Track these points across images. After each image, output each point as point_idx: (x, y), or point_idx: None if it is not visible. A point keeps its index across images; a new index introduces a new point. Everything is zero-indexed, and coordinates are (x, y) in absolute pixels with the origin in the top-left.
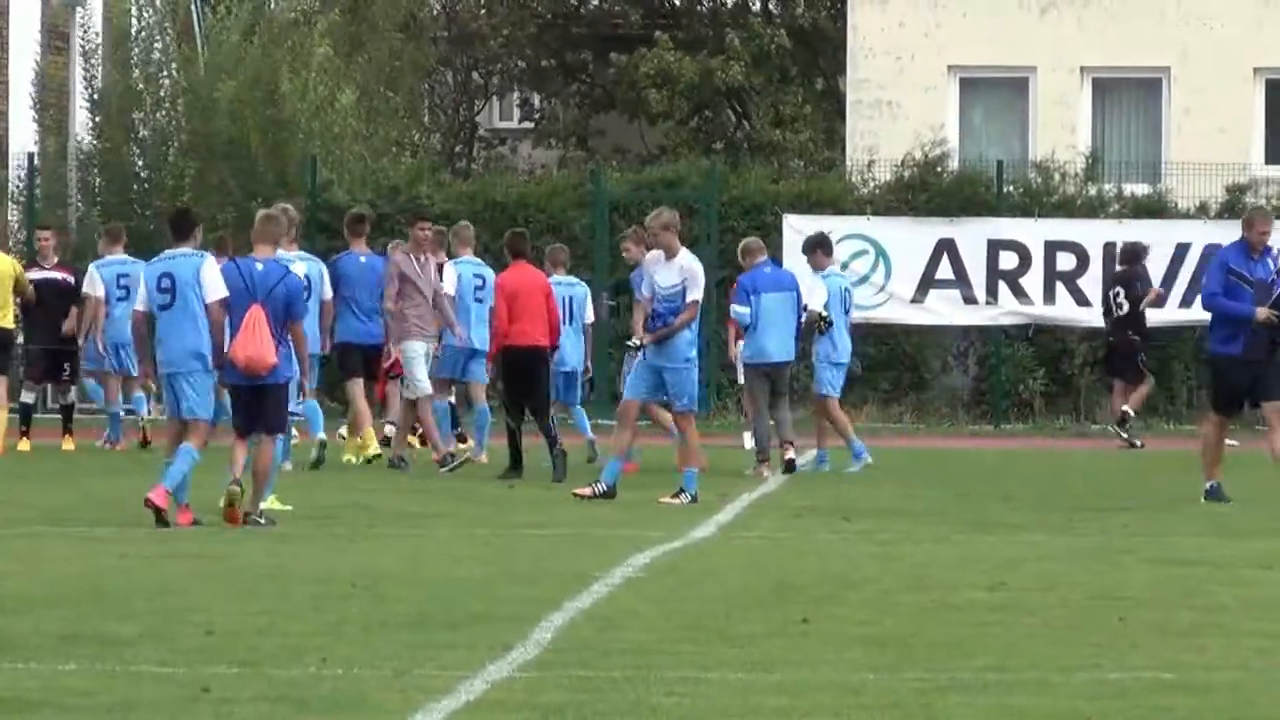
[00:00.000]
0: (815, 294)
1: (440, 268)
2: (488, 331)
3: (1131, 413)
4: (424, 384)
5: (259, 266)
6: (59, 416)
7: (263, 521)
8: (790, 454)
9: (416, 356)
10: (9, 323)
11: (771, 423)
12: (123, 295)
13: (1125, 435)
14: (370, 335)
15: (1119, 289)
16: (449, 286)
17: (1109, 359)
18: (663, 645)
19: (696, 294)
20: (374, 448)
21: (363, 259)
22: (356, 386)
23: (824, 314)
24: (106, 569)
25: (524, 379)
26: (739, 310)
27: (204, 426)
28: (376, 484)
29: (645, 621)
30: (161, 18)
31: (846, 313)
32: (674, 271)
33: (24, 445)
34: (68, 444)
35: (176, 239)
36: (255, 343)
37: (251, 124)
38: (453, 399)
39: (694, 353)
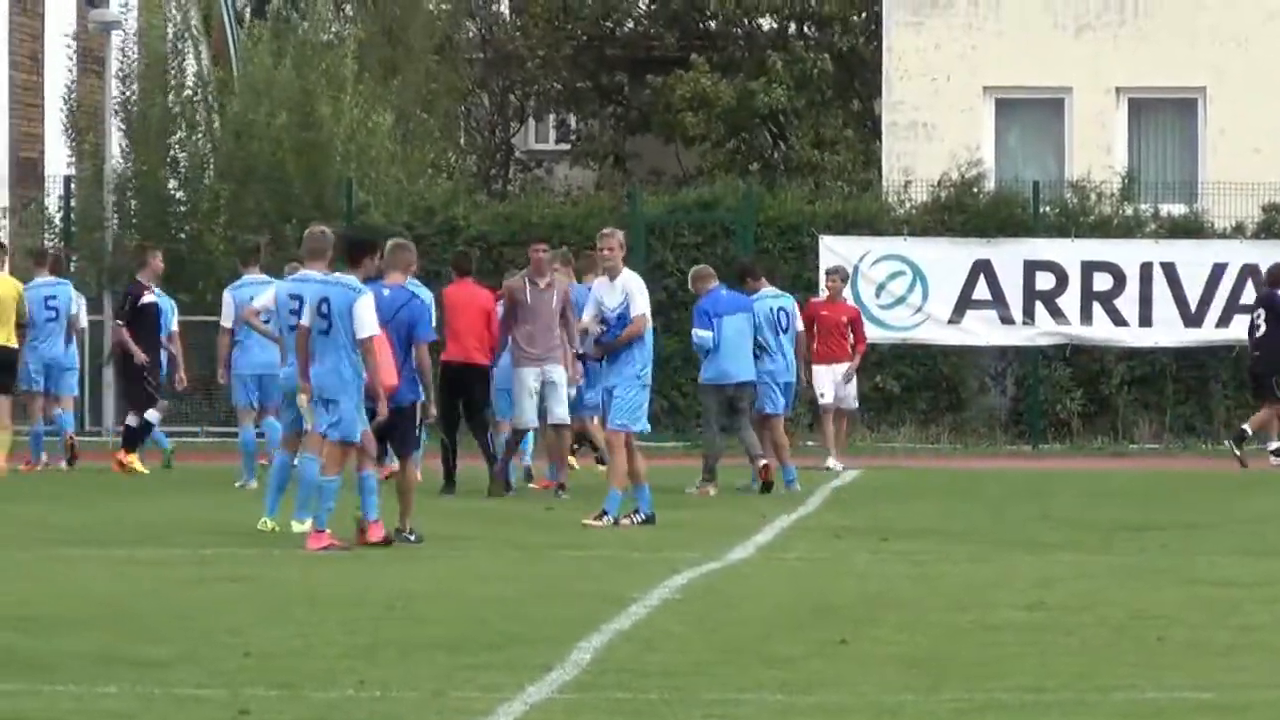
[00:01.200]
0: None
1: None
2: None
3: (1250, 431)
4: (526, 415)
5: (385, 292)
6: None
7: (412, 539)
8: (769, 475)
9: (522, 385)
10: (12, 342)
11: (720, 443)
12: (51, 316)
13: (1239, 452)
14: None
15: (1261, 310)
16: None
17: (1252, 380)
18: (701, 667)
19: (640, 308)
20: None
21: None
22: None
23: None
24: (142, 591)
25: (460, 396)
26: (701, 334)
27: (350, 450)
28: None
29: (683, 643)
30: (196, 41)
31: (785, 331)
32: (618, 292)
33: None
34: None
35: (350, 265)
36: (383, 367)
37: (287, 146)
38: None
39: (646, 372)
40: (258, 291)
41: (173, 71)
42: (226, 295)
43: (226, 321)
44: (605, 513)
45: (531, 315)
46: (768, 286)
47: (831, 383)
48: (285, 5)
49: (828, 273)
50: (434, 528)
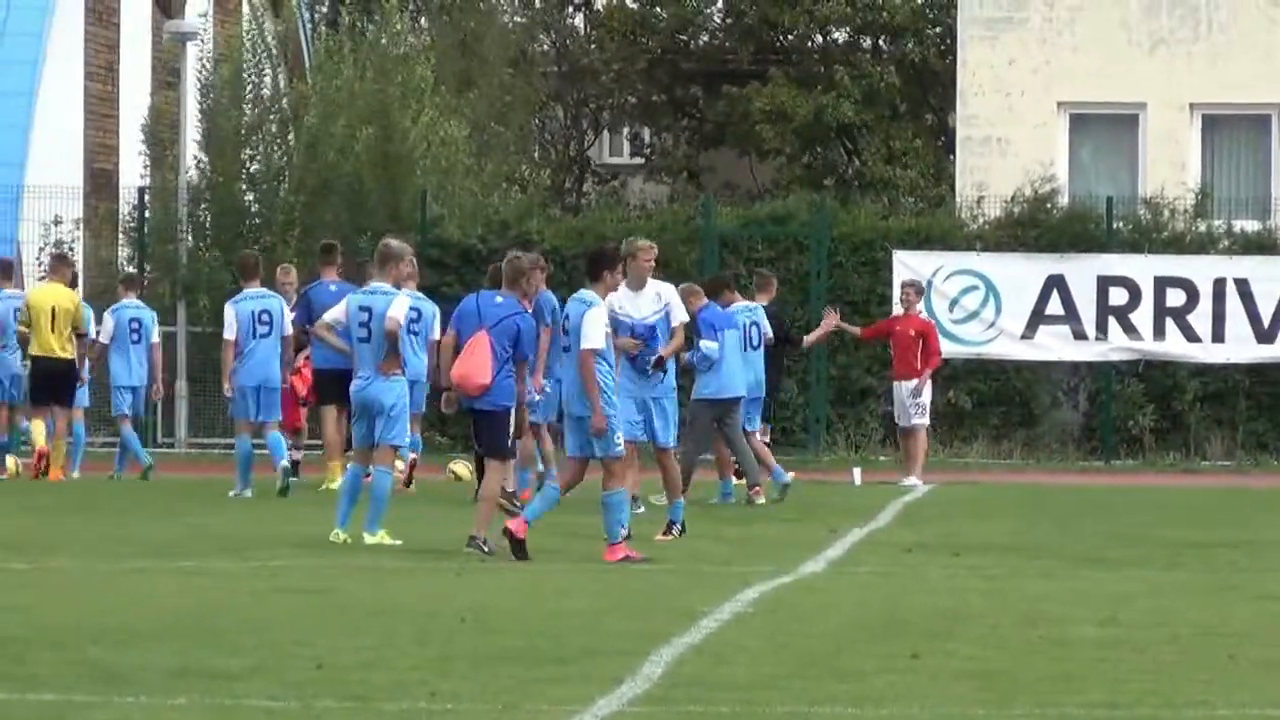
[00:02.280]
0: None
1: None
2: (423, 363)
3: None
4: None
5: (498, 299)
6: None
7: (485, 549)
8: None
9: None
10: (69, 354)
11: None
12: (135, 340)
13: None
14: (344, 362)
15: None
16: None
17: None
18: (772, 680)
19: (682, 317)
20: (338, 481)
21: (333, 287)
22: (330, 414)
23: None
24: (214, 604)
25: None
26: (709, 346)
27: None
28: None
29: (755, 656)
30: (272, 53)
31: (756, 347)
32: (648, 300)
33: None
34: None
35: (591, 280)
36: (469, 362)
37: (364, 159)
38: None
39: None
40: (258, 305)
41: (249, 83)
42: (228, 308)
43: (229, 334)
44: (673, 523)
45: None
46: (740, 299)
47: (901, 399)
48: (360, 18)
49: (902, 285)
50: (506, 541)
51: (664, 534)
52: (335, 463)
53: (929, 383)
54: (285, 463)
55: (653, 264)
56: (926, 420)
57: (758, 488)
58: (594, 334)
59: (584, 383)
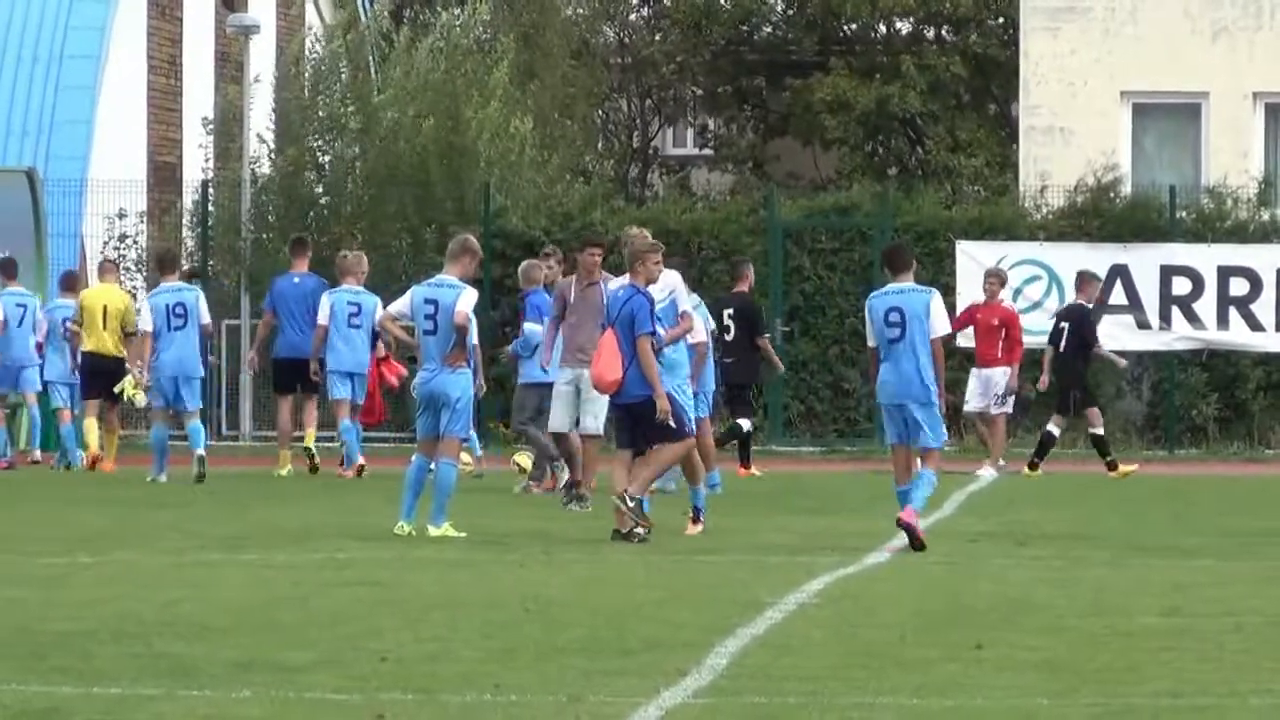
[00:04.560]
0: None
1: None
2: (367, 355)
3: None
4: (559, 418)
5: (620, 293)
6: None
7: (582, 506)
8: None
9: (556, 387)
10: (120, 352)
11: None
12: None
13: None
14: (304, 353)
15: None
16: (322, 316)
17: None
18: (836, 671)
19: (685, 303)
20: (287, 469)
21: (296, 279)
22: (286, 403)
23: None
24: (280, 597)
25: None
26: (533, 329)
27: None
28: (551, 510)
29: (819, 647)
30: (343, 44)
31: (184, 328)
32: (659, 290)
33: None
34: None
35: (895, 273)
36: (602, 363)
37: (432, 151)
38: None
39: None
40: (172, 298)
41: (310, 74)
42: (144, 302)
43: (145, 326)
44: (699, 511)
45: (570, 316)
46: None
47: (978, 388)
48: (425, 10)
49: (986, 274)
50: (572, 531)
51: (693, 523)
52: (285, 451)
53: (1013, 373)
54: (201, 451)
55: (659, 265)
56: (1008, 409)
57: (534, 484)
58: (941, 323)
59: (644, 368)
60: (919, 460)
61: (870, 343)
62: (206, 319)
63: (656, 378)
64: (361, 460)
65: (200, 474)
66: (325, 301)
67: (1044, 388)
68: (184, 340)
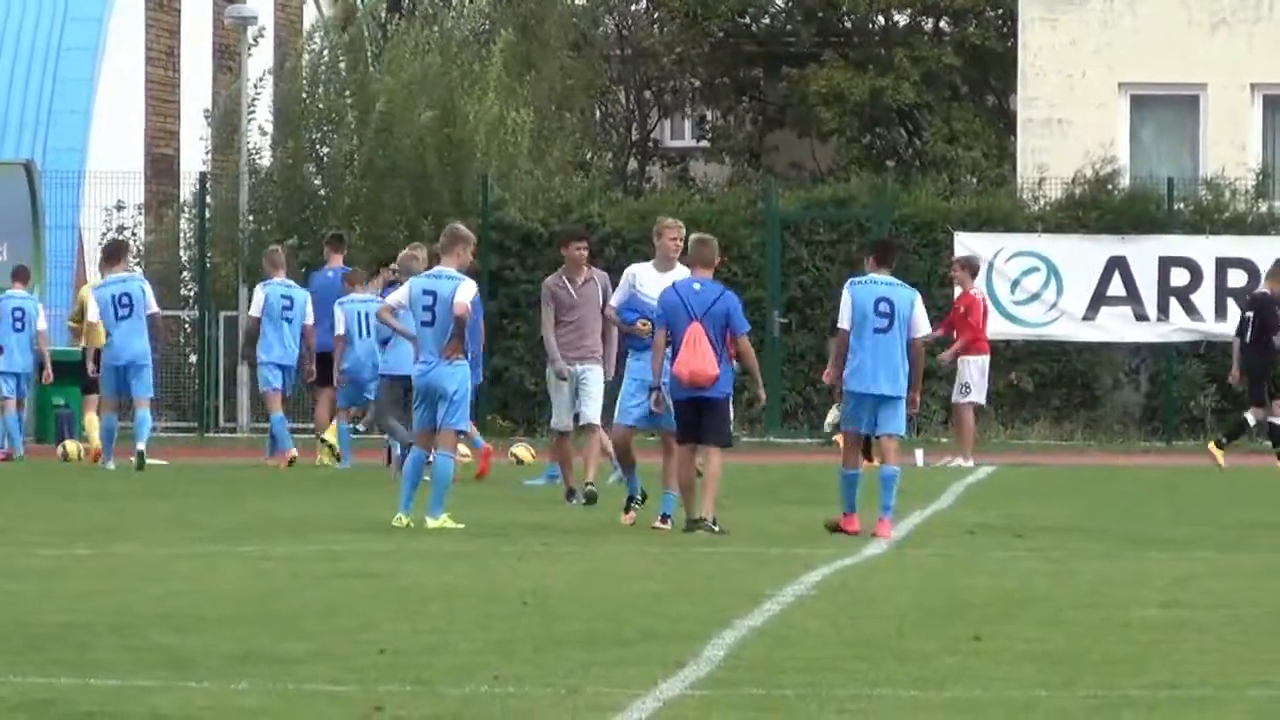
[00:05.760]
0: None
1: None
2: (299, 348)
3: None
4: (560, 418)
5: (696, 287)
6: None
7: (716, 529)
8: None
9: (556, 385)
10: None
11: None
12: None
13: None
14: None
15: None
16: (254, 309)
17: None
18: (835, 663)
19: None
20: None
21: (330, 274)
22: (324, 395)
23: None
24: (277, 589)
25: None
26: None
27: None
28: (548, 502)
29: (818, 639)
30: (340, 37)
31: (290, 321)
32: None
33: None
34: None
35: (878, 265)
36: (697, 358)
37: (429, 143)
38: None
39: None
40: (118, 289)
41: (308, 67)
42: (90, 294)
43: (93, 317)
44: (667, 515)
45: (571, 313)
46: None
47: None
48: (422, 1)
49: (955, 263)
50: (570, 523)
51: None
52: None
53: (967, 361)
54: (141, 445)
55: (680, 243)
56: (974, 399)
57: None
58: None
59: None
60: (881, 455)
61: (843, 325)
62: (154, 308)
63: (757, 371)
64: (294, 451)
65: (140, 464)
66: (259, 294)
67: (1235, 381)
68: (129, 330)
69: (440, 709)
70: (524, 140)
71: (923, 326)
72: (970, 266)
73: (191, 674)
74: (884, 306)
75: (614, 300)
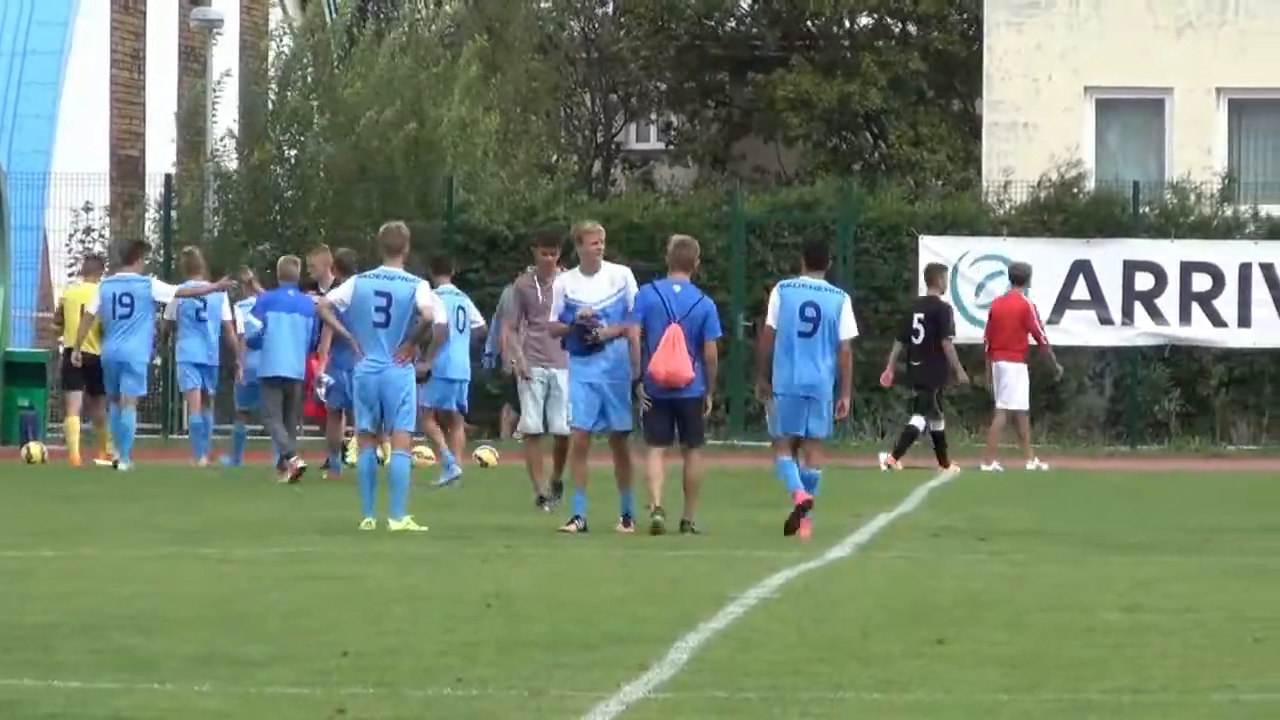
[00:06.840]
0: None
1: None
2: (217, 347)
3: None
4: (530, 420)
5: (676, 289)
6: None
7: (697, 530)
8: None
9: (525, 389)
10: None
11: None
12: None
13: None
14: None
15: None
16: (91, 305)
17: None
18: (798, 666)
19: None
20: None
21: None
22: (333, 417)
23: None
24: (240, 591)
25: None
26: (253, 324)
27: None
28: (514, 505)
29: (781, 642)
30: (307, 40)
31: (461, 330)
32: (603, 283)
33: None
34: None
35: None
36: (675, 358)
37: (397, 146)
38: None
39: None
40: (120, 288)
41: (275, 69)
42: (71, 293)
43: (92, 309)
44: (628, 516)
45: (541, 315)
46: (448, 283)
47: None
48: (389, 4)
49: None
50: (534, 526)
51: (623, 525)
52: (352, 441)
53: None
54: (125, 447)
55: (601, 246)
56: (1009, 404)
57: (286, 466)
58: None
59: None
60: (805, 455)
61: (770, 323)
62: (164, 310)
63: (713, 378)
64: (205, 460)
65: (115, 464)
66: (95, 291)
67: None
68: (129, 330)
69: (403, 711)
70: (489, 143)
71: (850, 330)
72: (930, 273)
73: (154, 676)
74: (810, 311)
75: (553, 315)
